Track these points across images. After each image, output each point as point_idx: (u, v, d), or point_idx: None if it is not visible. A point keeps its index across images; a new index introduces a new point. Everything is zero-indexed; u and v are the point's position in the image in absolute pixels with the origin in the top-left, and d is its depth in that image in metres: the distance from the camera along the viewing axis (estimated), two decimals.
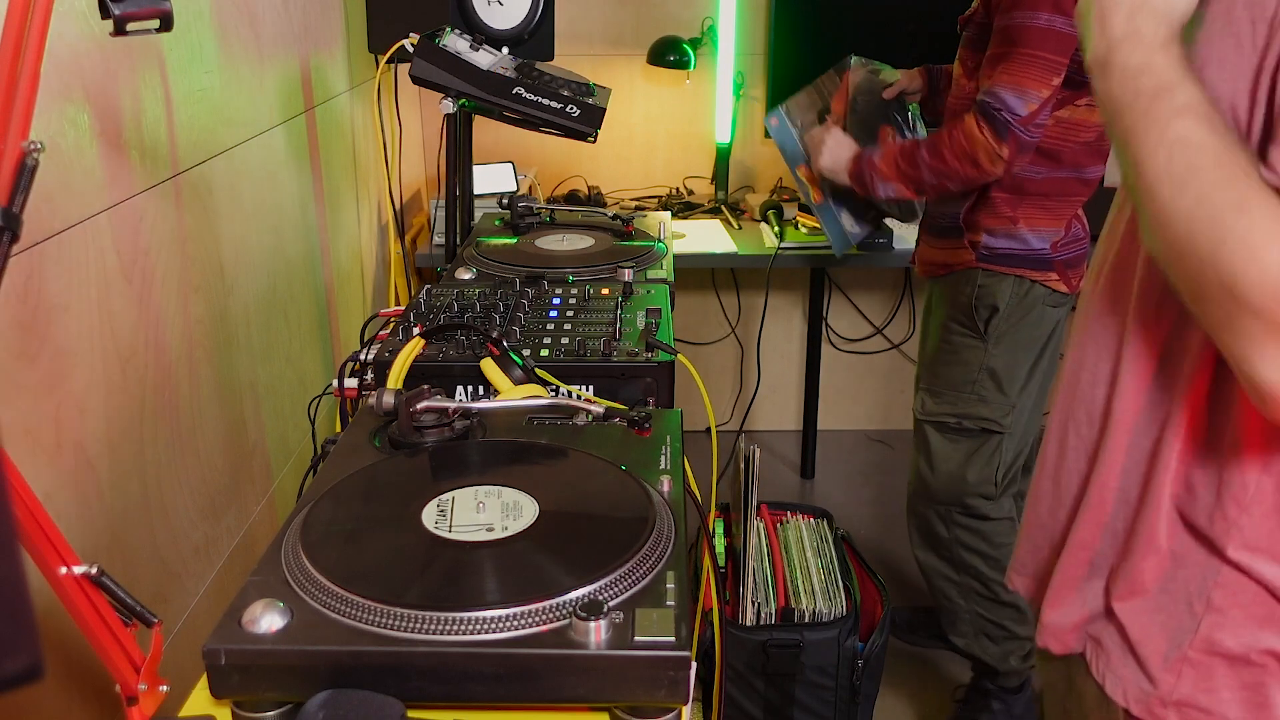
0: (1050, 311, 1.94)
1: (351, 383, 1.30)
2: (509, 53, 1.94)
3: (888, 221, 2.42)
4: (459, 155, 2.02)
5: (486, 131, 2.97)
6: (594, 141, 1.81)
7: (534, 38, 2.27)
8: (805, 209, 2.80)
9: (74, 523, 1.14)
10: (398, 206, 2.58)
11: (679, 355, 1.28)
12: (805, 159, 2.15)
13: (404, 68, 2.34)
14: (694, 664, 0.75)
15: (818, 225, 2.71)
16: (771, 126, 2.21)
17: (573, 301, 1.49)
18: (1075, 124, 1.83)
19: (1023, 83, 1.73)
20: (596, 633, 0.75)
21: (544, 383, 1.23)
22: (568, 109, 1.76)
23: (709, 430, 1.22)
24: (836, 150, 2.05)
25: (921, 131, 2.24)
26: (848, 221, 2.18)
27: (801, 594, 1.92)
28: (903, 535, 2.52)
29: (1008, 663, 2.06)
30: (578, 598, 0.78)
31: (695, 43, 2.98)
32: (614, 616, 0.76)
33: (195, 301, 1.46)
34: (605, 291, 1.54)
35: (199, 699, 0.79)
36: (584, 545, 0.85)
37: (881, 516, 3.01)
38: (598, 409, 1.10)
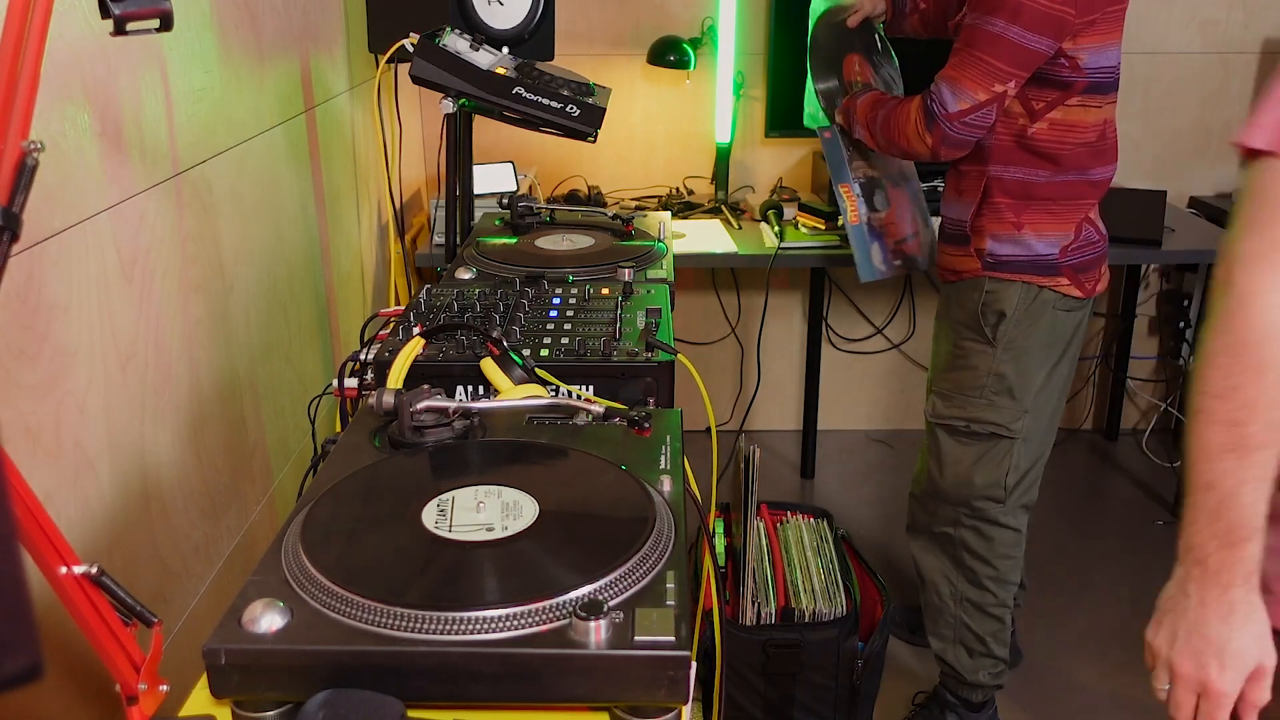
0: (1064, 316, 1.92)
1: (351, 383, 1.30)
2: (509, 53, 1.94)
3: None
4: (459, 155, 2.02)
5: (486, 131, 2.97)
6: (594, 141, 1.81)
7: (534, 38, 2.27)
8: (805, 209, 2.79)
9: (74, 523, 1.14)
10: (398, 206, 2.58)
11: (679, 355, 1.28)
12: (849, 178, 2.17)
13: (404, 68, 2.34)
14: (694, 664, 0.75)
15: (819, 225, 2.72)
16: (825, 139, 2.22)
17: (573, 301, 1.49)
18: (1070, 125, 1.83)
19: (961, 81, 1.78)
20: (596, 632, 0.75)
21: (544, 383, 1.23)
22: (568, 109, 1.76)
23: (709, 430, 1.23)
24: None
25: (891, 54, 2.31)
26: (876, 256, 2.19)
27: (801, 594, 1.92)
28: (903, 535, 2.53)
29: (977, 675, 2.05)
30: (578, 597, 0.78)
31: (695, 43, 2.98)
32: (614, 616, 0.76)
33: (195, 301, 1.46)
34: (605, 291, 1.54)
35: (199, 699, 0.79)
36: (584, 545, 0.85)
37: (881, 516, 3.01)
38: (598, 409, 1.10)
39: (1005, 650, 2.05)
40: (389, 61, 2.02)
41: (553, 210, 2.06)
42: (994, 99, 1.78)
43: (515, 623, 0.76)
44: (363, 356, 1.30)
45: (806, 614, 1.88)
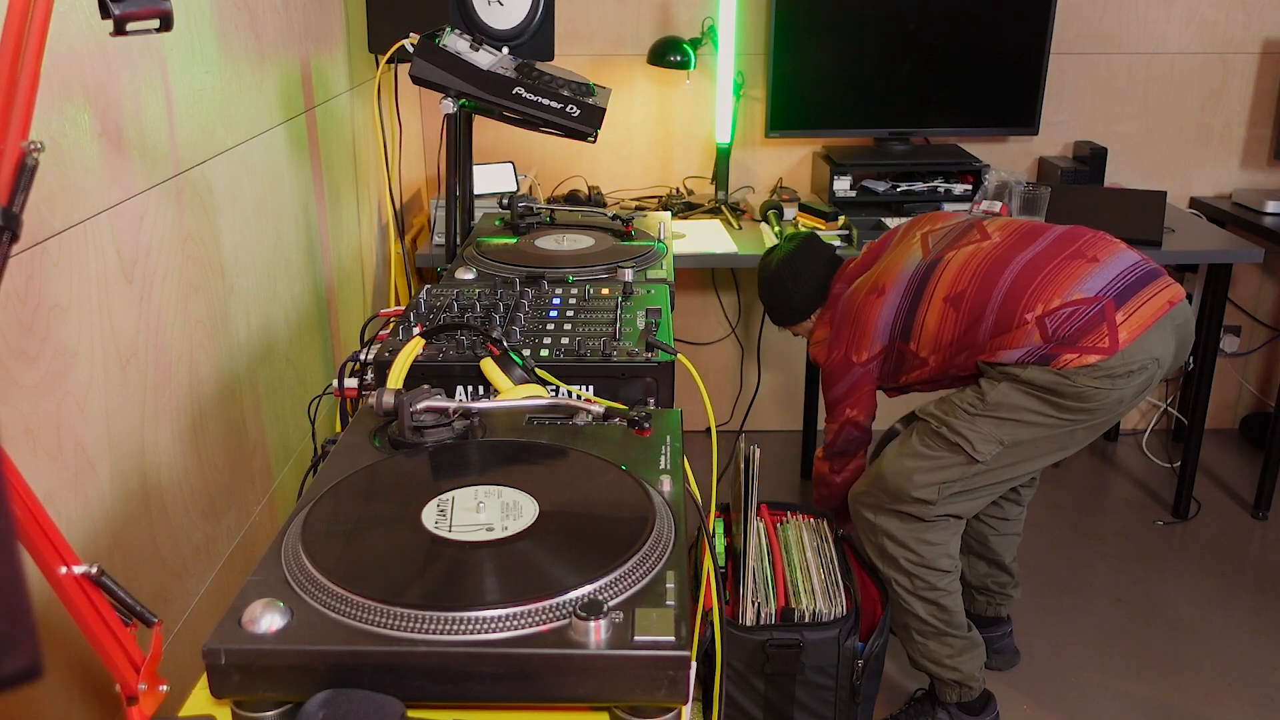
0: (1094, 393, 1.79)
1: (351, 383, 1.30)
2: (509, 53, 1.94)
3: None
4: (459, 155, 2.02)
5: (486, 131, 2.97)
6: (594, 141, 1.81)
7: (534, 38, 2.27)
8: (805, 209, 2.80)
9: (74, 523, 1.14)
10: (398, 206, 2.58)
11: (679, 355, 1.28)
12: None
13: (404, 68, 2.34)
14: (694, 664, 0.75)
15: (819, 225, 2.72)
16: None
17: (573, 301, 1.49)
18: (935, 332, 1.94)
19: (827, 424, 2.14)
20: (596, 632, 0.75)
21: (544, 383, 1.24)
22: (568, 109, 1.76)
23: (709, 430, 1.22)
24: None
25: None
26: None
27: (801, 594, 1.91)
28: None
29: (945, 666, 2.03)
30: (578, 597, 0.78)
31: (695, 43, 2.98)
32: (614, 616, 0.76)
33: (195, 301, 1.46)
34: (605, 291, 1.54)
35: (199, 699, 0.79)
36: (584, 545, 0.85)
37: None
38: (598, 409, 1.10)
39: (960, 630, 2.02)
40: (389, 61, 2.02)
41: (553, 210, 2.06)
42: (847, 420, 2.09)
43: (515, 623, 0.76)
44: (363, 356, 1.30)
45: (806, 614, 1.88)
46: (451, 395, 1.27)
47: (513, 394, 1.18)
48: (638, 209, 2.94)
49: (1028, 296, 1.83)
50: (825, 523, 2.16)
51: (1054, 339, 1.80)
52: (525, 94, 1.75)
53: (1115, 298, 1.80)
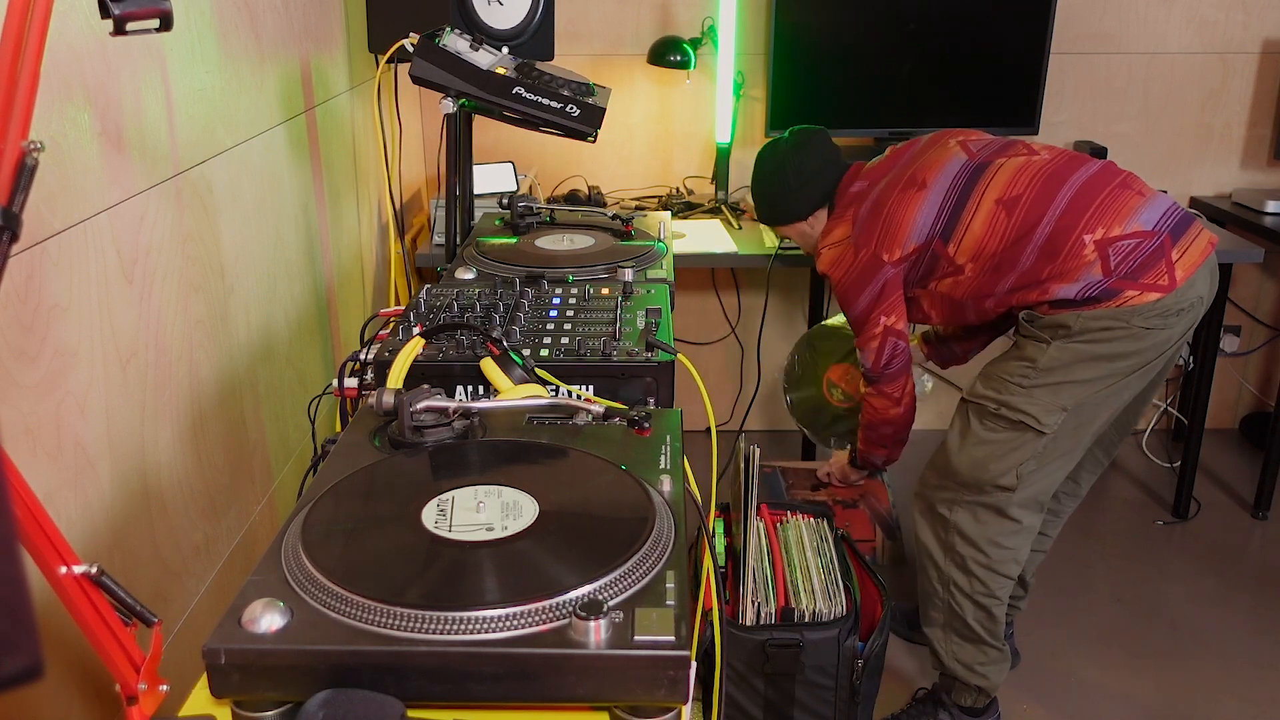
0: (1145, 333, 1.78)
1: (351, 383, 1.30)
2: (509, 52, 1.94)
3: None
4: (459, 155, 2.02)
5: (486, 131, 2.97)
6: (594, 141, 1.81)
7: (534, 38, 2.27)
8: None
9: (74, 523, 1.14)
10: (398, 206, 2.57)
11: (679, 355, 1.28)
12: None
13: (404, 68, 2.34)
14: (694, 664, 0.75)
15: None
16: None
17: (573, 301, 1.50)
18: (978, 240, 1.88)
19: (857, 344, 2.07)
20: (596, 632, 0.75)
21: (544, 383, 1.24)
22: (568, 109, 1.76)
23: (709, 430, 1.22)
24: (837, 465, 2.43)
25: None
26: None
27: (801, 594, 1.91)
28: (904, 534, 2.53)
29: (970, 666, 2.02)
30: (577, 597, 0.78)
31: (695, 43, 2.98)
32: (614, 616, 0.76)
33: (195, 301, 1.46)
34: (605, 291, 1.54)
35: (199, 699, 0.79)
36: (584, 545, 0.85)
37: None
38: (598, 409, 1.10)
39: (999, 641, 2.03)
40: (389, 61, 2.02)
41: (553, 210, 2.06)
42: (887, 330, 2.00)
43: (515, 623, 0.76)
44: (363, 356, 1.30)
45: (806, 614, 1.88)
46: (451, 395, 1.27)
47: (513, 394, 1.18)
48: (638, 209, 2.94)
49: (1088, 216, 1.82)
50: (825, 523, 2.16)
51: (1115, 273, 1.78)
52: (525, 94, 1.75)
53: (1170, 233, 1.82)
